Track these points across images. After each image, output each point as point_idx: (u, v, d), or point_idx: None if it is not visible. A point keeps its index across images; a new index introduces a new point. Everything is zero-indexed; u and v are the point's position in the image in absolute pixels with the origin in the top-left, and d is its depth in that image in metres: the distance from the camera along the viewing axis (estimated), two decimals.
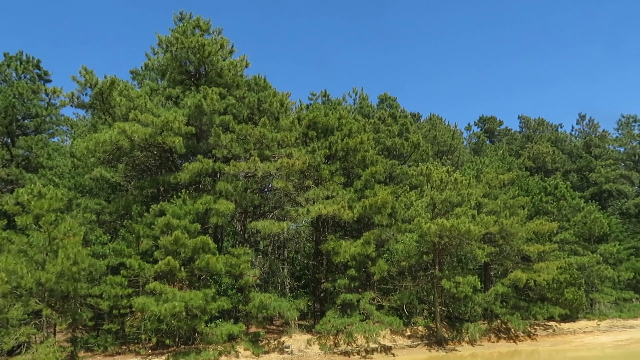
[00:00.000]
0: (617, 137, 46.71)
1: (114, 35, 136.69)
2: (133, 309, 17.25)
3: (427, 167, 24.16)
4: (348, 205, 20.75)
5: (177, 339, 18.39)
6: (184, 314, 16.55)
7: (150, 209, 18.44)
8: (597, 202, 35.40)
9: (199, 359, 17.17)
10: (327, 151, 22.43)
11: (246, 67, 22.25)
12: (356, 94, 38.36)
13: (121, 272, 17.54)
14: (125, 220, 19.82)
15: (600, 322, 26.71)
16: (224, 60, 21.68)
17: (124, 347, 18.30)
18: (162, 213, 17.96)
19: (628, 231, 36.45)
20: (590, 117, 56.70)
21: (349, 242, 21.22)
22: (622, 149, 45.61)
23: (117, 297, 17.12)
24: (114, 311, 17.40)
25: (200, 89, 20.07)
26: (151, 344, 18.46)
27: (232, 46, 21.97)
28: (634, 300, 30.95)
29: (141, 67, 26.30)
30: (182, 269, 17.58)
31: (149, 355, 17.52)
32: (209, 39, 21.11)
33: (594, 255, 27.89)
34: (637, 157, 43.77)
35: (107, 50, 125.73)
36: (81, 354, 17.45)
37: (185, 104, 20.03)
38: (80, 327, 18.19)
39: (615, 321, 27.11)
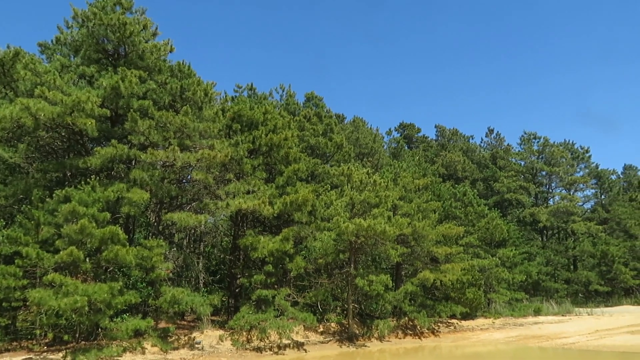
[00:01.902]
0: (519, 151, 51.08)
1: (20, 3, 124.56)
2: (27, 303, 15.79)
3: (348, 168, 24.79)
4: (269, 201, 20.66)
5: (77, 335, 17.12)
6: (86, 308, 15.43)
7: (54, 195, 16.97)
8: (499, 210, 38.55)
9: (101, 355, 16.11)
10: (251, 145, 22.19)
11: (170, 51, 21.27)
12: (283, 90, 38.20)
13: (16, 261, 15.93)
14: (23, 206, 18.07)
15: (495, 320, 29.06)
16: (147, 42, 20.57)
17: (14, 343, 16.69)
18: (67, 199, 16.61)
19: (523, 237, 40.36)
20: (497, 132, 61.76)
21: (268, 238, 21.14)
22: (522, 162, 49.98)
23: (9, 289, 15.49)
24: (4, 304, 15.76)
25: (118, 70, 18.84)
26: (47, 340, 17.03)
27: (157, 28, 20.98)
28: (524, 300, 34.22)
29: (52, 41, 23.99)
30: (87, 260, 16.39)
31: (44, 352, 16.14)
32: (131, 18, 19.91)
33: (494, 258, 30.42)
34: (534, 171, 48.18)
35: (12, 19, 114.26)
36: None
37: (101, 84, 18.68)
38: None
39: (508, 319, 29.65)
